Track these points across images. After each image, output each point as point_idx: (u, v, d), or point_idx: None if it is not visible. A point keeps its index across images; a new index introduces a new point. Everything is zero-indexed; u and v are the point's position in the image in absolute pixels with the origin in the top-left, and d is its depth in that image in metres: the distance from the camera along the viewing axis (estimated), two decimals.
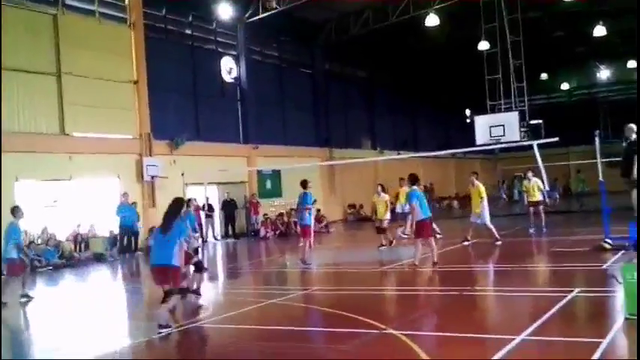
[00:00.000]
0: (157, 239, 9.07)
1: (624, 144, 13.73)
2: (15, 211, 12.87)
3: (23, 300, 12.68)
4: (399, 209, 20.29)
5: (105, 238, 21.07)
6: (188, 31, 26.75)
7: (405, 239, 18.03)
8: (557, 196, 32.14)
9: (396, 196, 20.64)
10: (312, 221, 16.40)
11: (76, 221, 20.81)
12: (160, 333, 8.59)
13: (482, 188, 17.56)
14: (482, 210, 17.24)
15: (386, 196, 18.59)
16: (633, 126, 13.61)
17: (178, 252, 8.82)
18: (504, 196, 40.56)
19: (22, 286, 12.93)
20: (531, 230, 19.40)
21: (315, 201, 17.09)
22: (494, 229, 17.06)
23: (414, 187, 13.88)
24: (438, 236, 17.35)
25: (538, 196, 19.93)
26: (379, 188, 18.75)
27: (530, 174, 20.48)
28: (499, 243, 16.74)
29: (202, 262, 12.10)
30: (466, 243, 17.16)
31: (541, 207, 19.96)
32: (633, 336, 7.08)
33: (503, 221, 22.01)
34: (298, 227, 18.61)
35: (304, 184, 16.09)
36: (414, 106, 43.77)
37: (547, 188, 17.58)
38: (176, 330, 9.00)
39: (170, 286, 8.91)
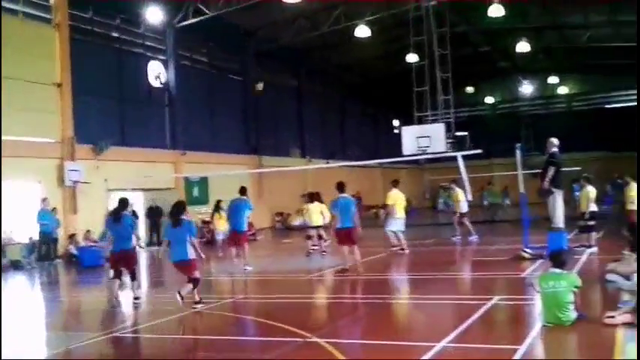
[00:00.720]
0: (171, 236, 10.55)
1: (545, 156, 14.31)
2: None
3: None
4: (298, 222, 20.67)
5: (23, 245, 20.31)
6: (115, 34, 26.14)
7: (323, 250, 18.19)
8: (508, 203, 32.65)
9: (302, 211, 21.02)
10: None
11: None
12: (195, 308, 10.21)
13: (393, 196, 17.61)
14: (388, 217, 17.51)
15: (317, 205, 18.64)
16: (554, 140, 14.17)
17: (190, 247, 10.31)
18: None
19: None
20: (455, 239, 19.77)
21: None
22: (391, 239, 17.23)
23: (341, 194, 13.98)
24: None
25: (461, 207, 20.32)
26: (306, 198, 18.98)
27: (454, 185, 20.90)
28: (404, 252, 16.88)
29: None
30: (399, 250, 17.08)
31: (464, 218, 20.33)
32: (549, 342, 7.32)
33: (428, 230, 22.37)
34: (221, 235, 19.34)
35: (243, 191, 16.30)
36: (343, 116, 44.17)
37: (469, 199, 17.91)
38: (93, 340, 8.73)
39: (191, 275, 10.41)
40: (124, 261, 11.44)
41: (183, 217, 10.63)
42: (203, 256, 10.99)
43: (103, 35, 25.55)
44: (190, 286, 10.45)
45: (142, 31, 27.44)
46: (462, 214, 20.38)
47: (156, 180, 24.23)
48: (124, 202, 11.74)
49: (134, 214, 23.16)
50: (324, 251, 18.07)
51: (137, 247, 13.79)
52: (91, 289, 15.22)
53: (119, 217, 11.40)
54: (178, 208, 10.73)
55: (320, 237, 18.50)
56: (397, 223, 17.26)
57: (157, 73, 27.74)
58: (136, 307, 11.24)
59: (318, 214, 18.41)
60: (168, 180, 26.46)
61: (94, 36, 25.08)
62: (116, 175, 21.95)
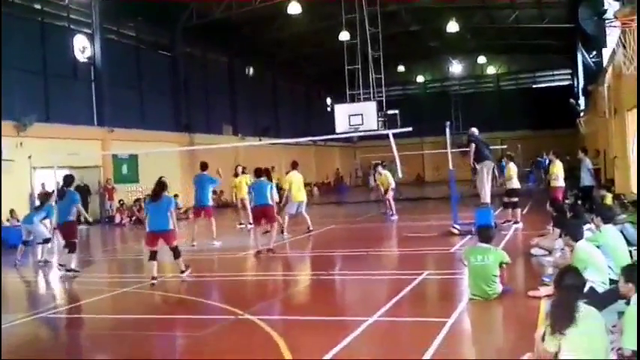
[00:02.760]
0: (152, 209, 10.97)
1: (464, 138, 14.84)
2: None
3: None
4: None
5: None
6: (37, 6, 25.10)
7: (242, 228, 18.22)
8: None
9: (234, 187, 20.87)
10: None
11: None
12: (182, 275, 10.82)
13: (289, 178, 17.18)
14: (290, 200, 16.85)
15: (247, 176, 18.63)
16: (473, 129, 14.75)
17: (170, 218, 10.78)
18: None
19: None
20: (391, 215, 20.04)
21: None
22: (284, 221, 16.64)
23: (260, 178, 14.10)
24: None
25: (387, 186, 20.51)
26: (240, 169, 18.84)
27: (379, 168, 21.36)
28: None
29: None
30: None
31: (387, 195, 20.43)
32: (476, 314, 7.55)
33: (359, 208, 22.61)
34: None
35: (204, 166, 16.53)
36: (275, 93, 43.93)
37: (400, 176, 18.09)
38: (18, 321, 8.48)
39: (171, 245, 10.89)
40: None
41: (165, 192, 11.07)
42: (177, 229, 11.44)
43: (24, 7, 24.49)
44: (181, 259, 10.95)
45: (65, 3, 26.44)
46: (386, 191, 20.54)
47: (83, 158, 23.54)
48: (68, 178, 12.91)
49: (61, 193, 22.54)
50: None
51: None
52: (15, 270, 14.73)
53: (63, 193, 12.55)
54: (161, 186, 11.09)
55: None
56: (294, 207, 16.77)
57: (82, 47, 26.85)
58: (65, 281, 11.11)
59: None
60: (95, 157, 25.77)
61: (15, 7, 24.00)
62: (41, 153, 21.19)
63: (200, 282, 11.39)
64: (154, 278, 10.56)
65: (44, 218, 14.50)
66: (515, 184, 16.20)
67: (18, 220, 19.75)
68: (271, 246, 13.53)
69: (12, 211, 20.63)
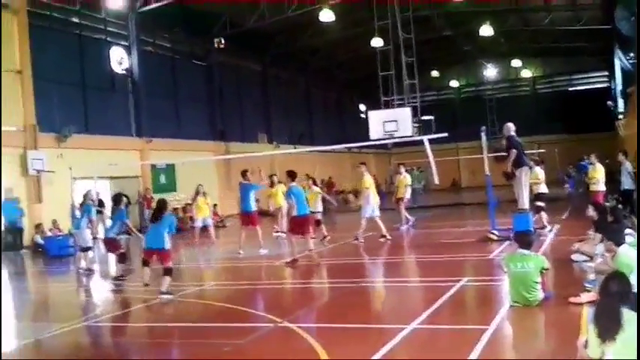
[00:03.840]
0: (150, 229, 11.04)
1: (503, 141, 14.53)
2: None
3: None
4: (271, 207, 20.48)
5: None
6: (75, 20, 25.65)
7: (279, 236, 18.09)
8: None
9: (270, 195, 20.83)
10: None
11: None
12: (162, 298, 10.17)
13: (368, 179, 16.78)
14: (365, 203, 16.44)
15: (316, 188, 18.27)
16: (510, 125, 14.40)
17: (167, 238, 10.78)
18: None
19: None
20: (410, 225, 19.12)
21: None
22: (362, 228, 16.32)
23: (293, 183, 13.91)
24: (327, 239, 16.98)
25: (402, 193, 19.41)
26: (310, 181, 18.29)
27: (402, 169, 20.07)
28: (357, 242, 16.18)
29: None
30: (382, 239, 16.25)
31: (401, 204, 19.35)
32: (517, 322, 7.46)
33: (396, 214, 22.44)
34: (200, 222, 18.95)
35: (244, 173, 16.45)
36: (309, 101, 44.08)
37: (436, 182, 17.75)
38: (64, 329, 8.65)
39: (160, 264, 10.77)
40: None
41: (165, 213, 10.97)
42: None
43: (63, 20, 25.05)
44: (168, 279, 10.45)
45: (103, 16, 26.96)
46: (400, 199, 19.48)
47: (122, 168, 23.94)
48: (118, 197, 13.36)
49: (101, 202, 23.00)
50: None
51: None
52: (58, 279, 15.03)
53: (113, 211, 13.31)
54: (160, 207, 11.09)
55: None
56: (374, 208, 16.46)
57: (119, 59, 27.33)
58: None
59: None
60: (134, 168, 26.18)
61: (54, 21, 24.58)
62: (81, 164, 21.58)
63: (239, 290, 11.49)
64: (146, 285, 10.93)
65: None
66: (543, 188, 15.91)
67: (60, 231, 20.17)
68: (296, 256, 13.33)
69: (54, 222, 21.03)
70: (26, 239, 20.77)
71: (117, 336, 8.70)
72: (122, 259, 12.77)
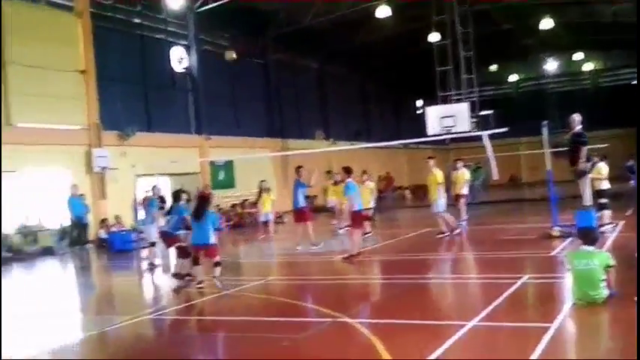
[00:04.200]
0: (195, 225, 11.05)
1: (568, 135, 14.14)
2: None
3: None
4: (331, 204, 20.49)
5: (54, 230, 20.66)
6: (137, 20, 26.25)
7: (341, 232, 18.09)
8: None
9: (326, 191, 20.83)
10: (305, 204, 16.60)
11: (23, 214, 20.31)
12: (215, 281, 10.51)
13: (440, 174, 16.79)
14: (439, 197, 16.43)
15: (371, 184, 18.38)
16: (576, 116, 13.99)
17: (212, 233, 10.95)
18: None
19: None
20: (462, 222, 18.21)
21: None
22: (443, 221, 16.43)
23: (349, 179, 13.96)
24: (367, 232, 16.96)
25: (462, 189, 18.73)
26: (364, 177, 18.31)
27: (459, 164, 19.47)
28: (442, 236, 16.17)
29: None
30: (440, 236, 16.19)
31: (462, 199, 18.59)
32: (581, 320, 7.31)
33: (454, 210, 22.22)
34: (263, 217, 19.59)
35: (297, 170, 16.61)
36: (366, 97, 44.03)
37: (495, 178, 17.33)
38: (127, 322, 8.89)
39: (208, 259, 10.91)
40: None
41: (208, 209, 11.13)
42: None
43: (125, 21, 25.66)
44: (219, 269, 10.72)
45: (163, 16, 27.53)
46: (459, 195, 18.71)
47: (182, 165, 24.38)
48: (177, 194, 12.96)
49: (162, 199, 23.54)
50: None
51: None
52: (122, 273, 15.44)
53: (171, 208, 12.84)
54: (202, 203, 11.23)
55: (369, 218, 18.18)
56: (444, 204, 16.52)
57: (179, 58, 27.87)
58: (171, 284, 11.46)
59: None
60: (194, 164, 26.63)
61: (116, 22, 25.20)
62: (143, 161, 22.11)
63: (298, 284, 11.59)
64: (200, 282, 10.86)
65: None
66: (606, 185, 15.39)
67: (123, 226, 20.70)
68: (355, 251, 13.48)
69: (117, 217, 21.58)
70: (91, 234, 21.37)
71: (177, 329, 8.88)
72: (183, 253, 12.89)
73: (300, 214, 16.30)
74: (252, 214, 25.39)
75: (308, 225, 15.98)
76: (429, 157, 17.57)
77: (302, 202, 16.32)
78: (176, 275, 11.66)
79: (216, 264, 10.75)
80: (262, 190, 19.62)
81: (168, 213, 12.82)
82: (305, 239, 15.82)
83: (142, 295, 11.80)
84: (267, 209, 19.55)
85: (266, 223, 19.32)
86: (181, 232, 12.31)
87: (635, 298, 7.46)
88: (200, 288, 10.65)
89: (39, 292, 13.44)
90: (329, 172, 21.24)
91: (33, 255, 19.28)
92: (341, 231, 18.39)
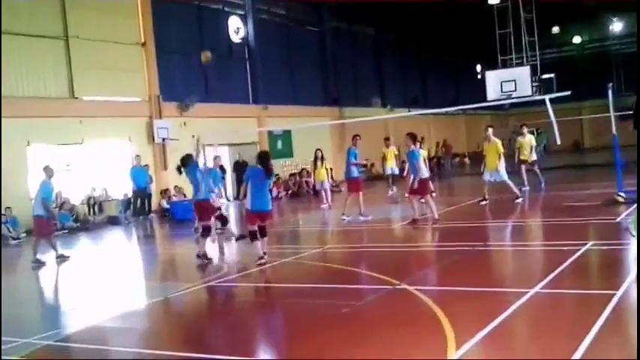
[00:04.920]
0: (259, 185, 10.26)
1: (635, 96, 13.64)
2: (46, 169, 13.14)
3: (59, 260, 12.97)
4: (389, 171, 20.35)
5: (118, 200, 21.26)
6: None
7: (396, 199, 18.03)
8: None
9: (383, 158, 20.63)
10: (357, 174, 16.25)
11: (89, 185, 20.95)
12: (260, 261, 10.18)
13: (500, 143, 16.67)
14: (500, 167, 16.32)
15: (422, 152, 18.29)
16: None
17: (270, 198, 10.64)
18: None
19: (54, 248, 13.12)
20: (524, 188, 18.35)
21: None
22: (513, 186, 16.40)
23: (413, 146, 13.85)
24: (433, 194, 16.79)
25: (530, 155, 19.01)
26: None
27: (525, 129, 19.59)
28: (519, 200, 16.15)
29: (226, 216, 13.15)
30: (484, 202, 16.22)
31: (534, 166, 19.17)
32: None
33: (514, 177, 21.87)
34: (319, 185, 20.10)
35: (352, 138, 16.31)
36: (423, 63, 43.34)
37: (558, 143, 16.92)
38: (190, 289, 9.12)
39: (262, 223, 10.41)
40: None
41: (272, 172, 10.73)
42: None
43: None
44: (265, 240, 10.48)
45: None
46: (524, 161, 19.02)
47: (241, 135, 24.61)
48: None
49: (222, 168, 23.88)
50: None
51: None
52: (184, 242, 15.80)
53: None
54: (268, 157, 10.56)
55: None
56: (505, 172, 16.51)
57: (236, 28, 27.98)
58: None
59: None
60: (252, 134, 26.84)
61: None
62: (203, 131, 22.38)
63: (356, 252, 11.65)
64: (261, 257, 10.31)
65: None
66: None
67: (185, 196, 21.12)
68: (436, 216, 13.49)
69: (176, 187, 21.95)
70: (154, 204, 21.88)
71: (240, 295, 9.06)
72: (225, 220, 12.93)
73: (353, 184, 15.87)
74: (308, 183, 25.57)
75: (359, 195, 15.63)
76: (488, 126, 17.34)
77: (355, 172, 15.97)
78: (203, 256, 11.29)
79: (264, 231, 10.41)
80: (317, 158, 19.72)
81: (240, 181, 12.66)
82: (352, 209, 15.66)
83: (204, 263, 12.02)
84: (322, 178, 19.64)
85: (322, 191, 19.42)
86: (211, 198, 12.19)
87: None
88: (261, 264, 10.25)
89: (105, 260, 13.90)
90: (387, 138, 21.11)
91: (99, 225, 19.91)
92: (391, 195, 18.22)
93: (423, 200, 14.35)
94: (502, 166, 16.39)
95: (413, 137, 14.00)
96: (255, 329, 7.27)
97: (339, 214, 16.00)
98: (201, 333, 7.13)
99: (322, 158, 19.93)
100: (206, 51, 19.59)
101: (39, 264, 12.70)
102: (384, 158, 22.00)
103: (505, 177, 16.46)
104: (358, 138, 16.39)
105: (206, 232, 11.67)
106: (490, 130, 16.98)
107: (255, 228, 10.35)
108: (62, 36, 20.55)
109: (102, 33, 21.43)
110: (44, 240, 13.23)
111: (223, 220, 13.27)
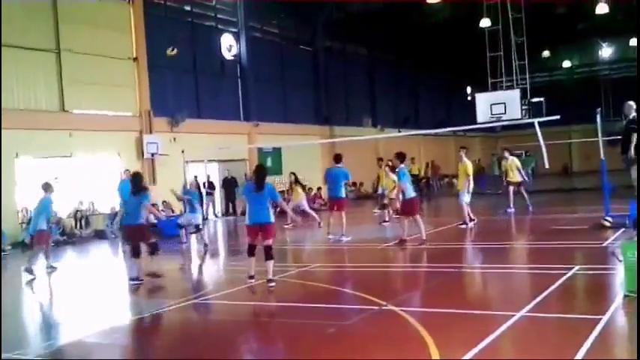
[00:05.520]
0: (253, 200, 10.10)
1: (623, 122, 13.74)
2: (46, 186, 13.56)
3: (49, 270, 13.41)
4: (380, 191, 20.42)
5: (105, 215, 21.13)
6: (187, 8, 26.54)
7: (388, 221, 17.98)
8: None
9: (377, 178, 20.69)
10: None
11: (76, 198, 20.83)
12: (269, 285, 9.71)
13: (470, 165, 16.51)
14: (464, 188, 16.13)
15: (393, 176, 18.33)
16: (632, 103, 13.59)
17: (271, 210, 10.15)
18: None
19: (46, 257, 13.60)
20: (509, 210, 18.74)
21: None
22: (465, 212, 16.07)
23: (402, 165, 13.90)
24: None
25: (516, 176, 19.29)
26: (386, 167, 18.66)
27: (506, 153, 20.09)
28: (464, 227, 15.92)
29: (157, 245, 12.50)
30: (469, 224, 16.07)
31: (521, 187, 19.36)
32: (632, 312, 7.12)
33: (502, 199, 21.91)
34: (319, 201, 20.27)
35: (338, 158, 16.21)
36: (415, 84, 43.60)
37: (546, 167, 17.02)
38: (175, 306, 9.05)
39: (264, 241, 9.97)
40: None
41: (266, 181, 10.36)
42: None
43: (175, 9, 26.00)
44: (272, 263, 9.94)
45: (213, 3, 27.76)
46: (518, 183, 19.33)
47: (230, 151, 24.61)
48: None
49: (210, 185, 23.90)
50: (385, 221, 17.92)
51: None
52: (170, 258, 15.69)
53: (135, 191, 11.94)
54: (263, 172, 10.32)
55: (385, 206, 18.39)
56: (468, 197, 16.27)
57: (228, 45, 28.07)
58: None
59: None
60: (242, 151, 26.86)
61: (167, 10, 25.54)
62: (192, 147, 22.43)
63: (343, 272, 11.61)
64: (251, 277, 10.05)
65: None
66: None
67: (173, 211, 21.04)
68: (424, 236, 13.49)
69: (165, 202, 21.88)
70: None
71: (224, 313, 8.97)
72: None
73: (338, 204, 15.76)
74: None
75: (343, 215, 15.52)
76: (462, 147, 17.30)
77: (344, 193, 15.96)
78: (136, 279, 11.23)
79: (269, 253, 9.88)
80: (291, 182, 20.59)
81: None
82: (336, 228, 15.57)
83: (190, 279, 11.96)
84: (297, 199, 20.04)
85: (298, 212, 19.47)
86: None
87: None
88: (251, 277, 10.06)
89: (90, 275, 13.79)
90: (380, 159, 21.18)
91: (85, 238, 19.77)
92: (385, 224, 18.18)
93: (411, 219, 14.31)
94: (466, 188, 16.13)
95: (399, 157, 14.06)
96: (240, 349, 7.20)
97: (321, 233, 15.95)
98: (183, 352, 7.05)
99: (296, 181, 20.54)
100: (174, 48, 20.03)
101: (53, 269, 13.56)
102: (379, 179, 22.01)
103: (463, 200, 16.14)
104: (342, 156, 16.46)
105: (135, 253, 11.65)
106: (463, 151, 16.77)
107: (254, 243, 10.15)
108: (54, 49, 20.56)
109: (94, 47, 21.45)
110: (42, 249, 13.61)
111: (153, 248, 12.61)
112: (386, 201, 18.48)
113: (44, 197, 13.47)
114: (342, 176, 15.83)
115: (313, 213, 19.63)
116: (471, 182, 16.23)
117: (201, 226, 16.18)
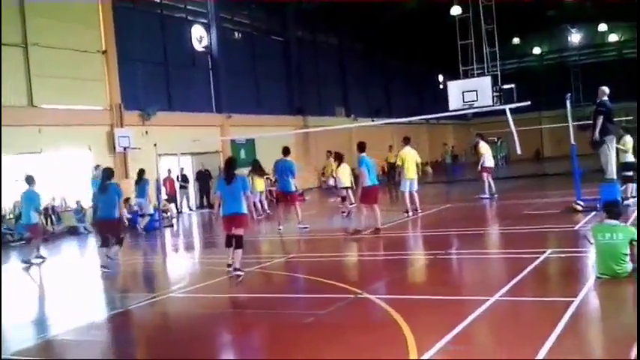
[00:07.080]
0: (226, 192, 10.25)
1: (594, 106, 13.95)
2: (29, 179, 13.92)
3: (38, 261, 13.99)
4: (331, 182, 20.53)
5: (77, 210, 20.87)
6: (157, 0, 26.25)
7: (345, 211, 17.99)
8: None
9: (323, 171, 20.74)
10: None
11: (48, 195, 20.52)
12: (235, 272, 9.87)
13: (403, 155, 16.75)
14: (403, 178, 16.56)
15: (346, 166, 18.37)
16: (605, 88, 13.78)
17: (244, 202, 10.25)
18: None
19: (37, 248, 14.17)
20: (483, 196, 19.12)
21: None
22: (406, 200, 16.54)
23: (363, 154, 13.96)
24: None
25: (482, 163, 19.69)
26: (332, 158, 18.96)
27: (478, 138, 20.62)
28: (406, 215, 16.24)
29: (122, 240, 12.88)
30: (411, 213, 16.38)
31: (485, 174, 19.54)
32: (604, 294, 7.25)
33: (476, 186, 22.05)
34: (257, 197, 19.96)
35: (287, 151, 16.32)
36: (387, 73, 43.69)
37: (519, 152, 17.16)
38: (150, 300, 9.00)
39: (239, 231, 10.14)
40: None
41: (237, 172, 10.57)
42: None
43: (145, 1, 25.67)
44: (240, 252, 10.06)
45: None
46: (485, 169, 19.68)
47: (203, 144, 24.48)
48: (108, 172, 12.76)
49: (184, 178, 23.75)
50: (344, 212, 17.85)
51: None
52: (144, 252, 15.59)
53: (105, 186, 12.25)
54: (232, 164, 10.60)
55: (344, 198, 18.27)
56: (406, 184, 16.54)
57: (199, 37, 27.85)
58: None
59: (347, 174, 18.10)
60: (215, 143, 26.71)
61: (136, 2, 25.24)
62: (165, 140, 22.18)
63: (317, 262, 11.62)
64: (229, 266, 10.17)
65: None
66: (630, 157, 15.13)
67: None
68: (379, 225, 13.55)
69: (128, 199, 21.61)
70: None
71: (200, 306, 8.93)
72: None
73: (290, 196, 16.16)
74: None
75: (297, 205, 16.07)
76: (405, 138, 17.56)
77: (292, 186, 16.15)
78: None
79: (240, 242, 10.06)
80: (250, 171, 20.33)
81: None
82: (288, 220, 16.02)
83: (165, 273, 11.87)
84: (257, 189, 20.09)
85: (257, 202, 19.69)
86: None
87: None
88: (232, 273, 10.02)
89: (64, 272, 13.65)
90: (329, 151, 21.30)
91: (58, 235, 19.54)
92: (344, 214, 18.19)
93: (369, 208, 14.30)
94: (404, 177, 16.54)
95: (359, 146, 14.25)
96: (218, 340, 7.18)
97: (294, 225, 15.95)
98: (160, 345, 7.01)
99: (256, 171, 20.52)
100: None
101: (42, 259, 14.20)
102: (325, 170, 22.17)
103: (403, 187, 16.62)
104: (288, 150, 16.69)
105: (104, 243, 12.26)
106: (405, 142, 17.22)
107: (231, 233, 10.21)
108: (21, 43, 20.19)
109: (62, 41, 21.11)
110: (39, 242, 14.27)
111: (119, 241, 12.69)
112: (343, 193, 18.25)
113: (28, 190, 13.76)
114: (289, 170, 15.98)
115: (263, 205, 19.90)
116: (402, 172, 16.59)
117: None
